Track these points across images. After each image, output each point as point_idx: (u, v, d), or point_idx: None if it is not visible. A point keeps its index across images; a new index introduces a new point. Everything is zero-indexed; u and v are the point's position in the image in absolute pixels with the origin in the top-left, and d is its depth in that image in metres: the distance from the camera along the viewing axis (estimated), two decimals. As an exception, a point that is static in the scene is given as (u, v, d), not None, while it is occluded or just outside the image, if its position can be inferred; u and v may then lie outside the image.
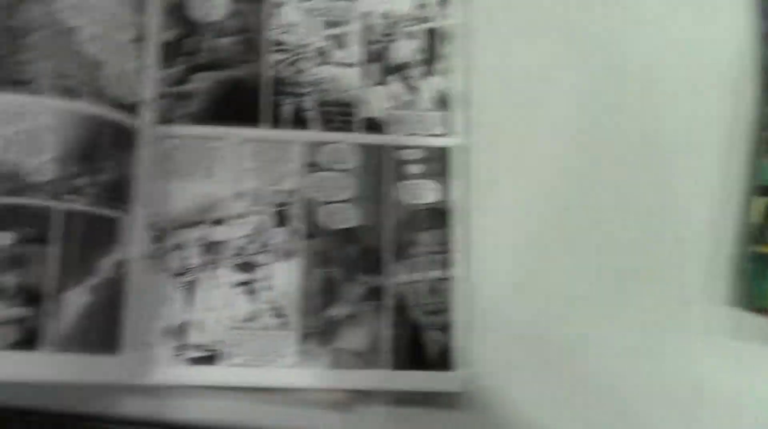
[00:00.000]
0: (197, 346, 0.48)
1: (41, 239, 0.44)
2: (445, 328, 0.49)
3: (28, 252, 0.43)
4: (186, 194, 0.49)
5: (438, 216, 0.51)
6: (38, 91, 0.45)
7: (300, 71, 0.51)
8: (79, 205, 0.45)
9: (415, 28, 0.53)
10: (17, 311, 0.43)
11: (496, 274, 0.51)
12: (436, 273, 0.50)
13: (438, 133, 0.52)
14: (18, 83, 0.45)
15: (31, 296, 0.43)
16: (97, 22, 0.47)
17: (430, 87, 0.52)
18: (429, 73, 0.52)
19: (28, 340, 0.43)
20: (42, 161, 0.44)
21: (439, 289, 0.50)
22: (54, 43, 0.46)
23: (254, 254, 0.49)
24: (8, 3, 0.46)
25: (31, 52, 0.45)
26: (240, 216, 0.49)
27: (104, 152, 0.46)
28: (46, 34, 0.46)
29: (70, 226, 0.44)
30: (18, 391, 0.47)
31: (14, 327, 0.43)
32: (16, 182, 0.44)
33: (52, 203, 0.44)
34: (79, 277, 0.44)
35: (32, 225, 0.44)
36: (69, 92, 0.45)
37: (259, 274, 0.49)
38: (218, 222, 0.49)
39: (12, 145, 0.44)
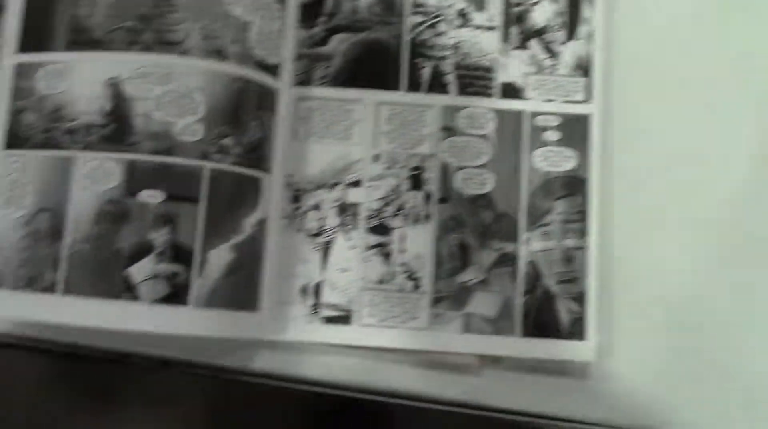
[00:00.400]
0: (331, 306, 0.49)
1: (190, 198, 0.45)
2: (577, 297, 0.49)
3: (177, 210, 0.45)
4: (322, 156, 0.50)
5: (574, 184, 0.50)
6: (187, 52, 0.46)
7: (439, 34, 0.51)
8: (225, 165, 0.46)
9: (557, -10, 0.52)
10: (167, 267, 0.44)
11: (631, 244, 0.50)
12: (571, 241, 0.49)
13: (577, 99, 0.51)
14: (167, 44, 0.46)
15: (180, 253, 0.45)
16: (243, -17, 0.47)
17: (570, 52, 0.51)
18: (569, 37, 0.51)
19: (176, 295, 0.44)
20: (190, 121, 0.45)
21: (573, 257, 0.49)
22: (202, 3, 0.46)
23: (388, 217, 0.49)
24: (159, -36, 0.46)
25: (180, 13, 0.46)
26: (375, 178, 0.50)
27: (248, 113, 0.47)
28: (194, -6, 0.46)
29: (216, 185, 0.45)
30: (159, 342, 0.48)
31: (164, 282, 0.44)
32: (166, 142, 0.45)
33: (200, 162, 0.45)
34: (225, 236, 0.46)
35: (181, 184, 0.45)
36: (217, 53, 0.46)
37: (392, 236, 0.49)
38: (354, 184, 0.50)
39: (162, 105, 0.45)
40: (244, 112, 0.46)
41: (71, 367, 0.49)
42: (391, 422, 0.49)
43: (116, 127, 0.45)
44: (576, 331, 0.48)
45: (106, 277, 0.44)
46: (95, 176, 0.45)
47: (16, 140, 0.46)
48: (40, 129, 0.46)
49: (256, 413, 0.49)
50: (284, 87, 0.49)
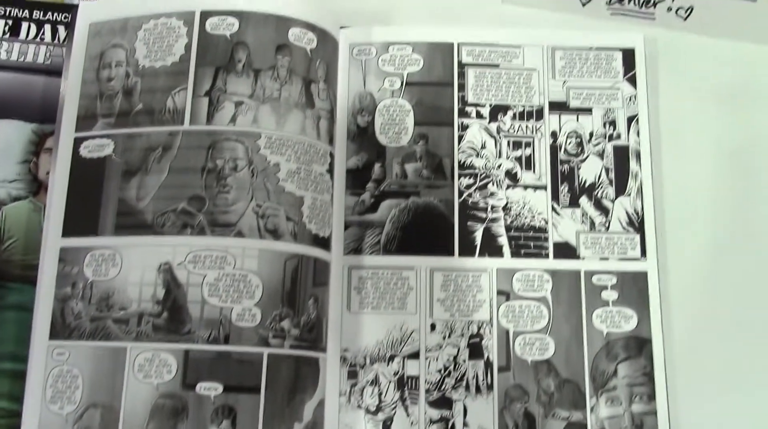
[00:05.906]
0: (395, 488, 0.46)
1: (249, 387, 0.43)
2: (651, 466, 0.47)
3: (236, 401, 0.43)
4: (377, 327, 0.48)
5: (636, 345, 0.48)
6: (242, 233, 0.44)
7: (488, 195, 0.50)
8: (284, 349, 0.44)
9: (603, 146, 0.51)
10: (230, 465, 0.42)
11: (700, 407, 0.48)
12: (638, 407, 0.47)
13: (632, 256, 0.49)
14: (221, 226, 0.44)
15: (242, 448, 0.42)
16: (295, 157, 0.46)
17: (620, 208, 0.50)
18: (619, 192, 0.50)
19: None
20: (248, 306, 0.43)
21: (643, 423, 0.47)
22: (256, 181, 0.45)
23: (449, 389, 0.47)
24: (211, 142, 0.45)
25: (234, 193, 0.45)
26: (433, 349, 0.48)
27: (304, 291, 0.45)
28: (248, 173, 0.45)
29: (275, 372, 0.43)
30: None
31: (226, 481, 0.42)
32: (223, 329, 0.43)
33: (259, 349, 0.43)
34: (286, 425, 0.43)
35: (240, 373, 0.43)
36: (272, 232, 0.45)
37: (454, 409, 0.47)
38: (412, 356, 0.48)
39: (217, 290, 0.44)
40: (300, 291, 0.45)
41: None
42: None
43: (170, 315, 0.43)
44: (653, 503, 0.46)
45: (164, 478, 0.41)
46: (149, 368, 0.43)
47: (61, 330, 0.44)
48: (87, 318, 0.44)
49: None
50: (336, 258, 0.48)
